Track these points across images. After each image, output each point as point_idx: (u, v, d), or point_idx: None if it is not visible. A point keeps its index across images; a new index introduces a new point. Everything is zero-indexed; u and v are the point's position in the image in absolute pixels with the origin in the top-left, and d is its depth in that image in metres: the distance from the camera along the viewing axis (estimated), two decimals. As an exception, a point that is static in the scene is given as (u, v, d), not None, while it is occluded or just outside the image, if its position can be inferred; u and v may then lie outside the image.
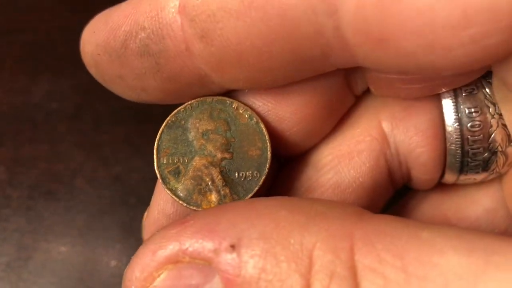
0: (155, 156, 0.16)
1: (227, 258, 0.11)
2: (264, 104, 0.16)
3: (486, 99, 0.16)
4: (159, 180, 0.16)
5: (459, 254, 0.09)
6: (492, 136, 0.16)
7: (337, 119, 0.17)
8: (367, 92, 0.17)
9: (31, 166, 0.31)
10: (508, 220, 0.17)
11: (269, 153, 0.16)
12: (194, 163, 0.16)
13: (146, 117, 0.29)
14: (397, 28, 0.11)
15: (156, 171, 0.16)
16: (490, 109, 0.16)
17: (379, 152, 0.16)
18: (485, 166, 0.17)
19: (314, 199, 0.13)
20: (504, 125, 0.16)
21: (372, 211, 0.14)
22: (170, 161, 0.16)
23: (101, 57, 0.14)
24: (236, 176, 0.16)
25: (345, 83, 0.16)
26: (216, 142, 0.16)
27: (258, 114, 0.16)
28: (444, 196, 0.18)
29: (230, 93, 0.16)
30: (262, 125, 0.16)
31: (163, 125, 0.16)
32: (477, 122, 0.16)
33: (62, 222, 0.30)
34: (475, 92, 0.16)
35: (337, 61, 0.13)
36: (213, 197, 0.15)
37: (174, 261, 0.11)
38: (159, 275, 0.11)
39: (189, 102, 0.16)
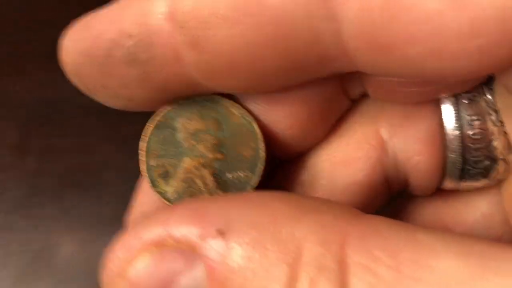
0: (143, 159, 0.15)
1: (213, 245, 0.11)
2: (256, 106, 0.15)
3: (488, 106, 0.16)
4: (148, 183, 0.15)
5: (456, 258, 0.09)
6: (494, 144, 0.16)
7: (332, 123, 0.16)
8: (364, 96, 0.17)
9: (60, 158, 0.32)
10: (505, 226, 0.17)
11: (262, 152, 0.15)
12: (185, 165, 0.15)
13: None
14: (403, 34, 0.11)
15: (146, 174, 0.15)
16: (492, 117, 0.16)
17: (376, 160, 0.16)
18: (486, 173, 0.16)
19: (309, 196, 0.13)
20: (505, 133, 0.16)
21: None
22: (159, 163, 0.15)
23: (83, 67, 0.13)
24: (229, 177, 0.15)
25: (340, 87, 0.16)
26: (207, 142, 0.15)
27: (251, 114, 0.15)
28: (441, 200, 0.18)
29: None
30: (255, 125, 0.15)
31: (151, 125, 0.15)
32: (478, 130, 0.16)
33: (90, 213, 0.31)
34: (476, 98, 0.16)
35: (335, 67, 0.13)
36: None
37: (159, 244, 0.11)
38: (140, 258, 0.11)
39: (177, 101, 0.15)
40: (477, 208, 0.17)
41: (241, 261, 0.10)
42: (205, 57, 0.12)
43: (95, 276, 0.13)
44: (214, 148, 0.15)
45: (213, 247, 0.11)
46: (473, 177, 0.17)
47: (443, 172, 0.17)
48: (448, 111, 0.16)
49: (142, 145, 0.15)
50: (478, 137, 0.16)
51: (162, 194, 0.15)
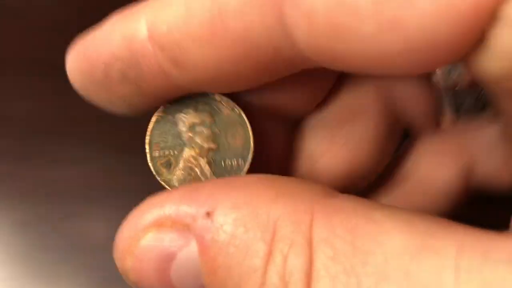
0: (147, 150, 0.17)
1: (203, 224, 0.12)
2: (246, 101, 0.17)
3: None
4: (153, 173, 0.17)
5: (401, 235, 0.10)
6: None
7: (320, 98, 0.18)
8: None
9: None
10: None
11: (251, 142, 0.16)
12: (184, 155, 0.17)
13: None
14: (346, 53, 0.12)
15: (150, 164, 0.17)
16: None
17: (378, 114, 0.17)
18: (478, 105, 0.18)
19: (287, 177, 0.14)
20: None
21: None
22: (162, 154, 0.17)
23: (88, 85, 0.15)
24: (223, 165, 0.17)
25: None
26: (202, 134, 0.17)
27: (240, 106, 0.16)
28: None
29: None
30: (244, 116, 0.16)
31: (153, 120, 0.16)
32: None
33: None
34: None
35: (301, 66, 0.14)
36: None
37: (158, 224, 0.13)
38: (144, 236, 0.13)
39: (174, 97, 0.16)
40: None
41: (226, 238, 0.12)
42: (187, 72, 0.14)
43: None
44: (209, 139, 0.17)
45: (203, 226, 0.12)
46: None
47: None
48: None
49: (146, 138, 0.17)
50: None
51: (166, 182, 0.17)
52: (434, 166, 0.18)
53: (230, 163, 0.17)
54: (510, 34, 0.11)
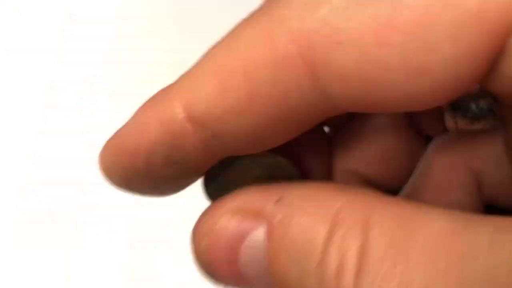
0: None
1: (272, 209, 0.14)
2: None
3: None
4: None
5: (445, 220, 0.12)
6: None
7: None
8: None
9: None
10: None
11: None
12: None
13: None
14: (377, 99, 0.14)
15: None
16: None
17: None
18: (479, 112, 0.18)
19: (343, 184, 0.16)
20: None
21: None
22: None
23: (130, 178, 0.16)
24: None
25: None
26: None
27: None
28: None
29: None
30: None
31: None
32: None
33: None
34: None
35: (331, 114, 0.15)
36: None
37: (233, 211, 0.15)
38: (219, 220, 0.15)
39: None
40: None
41: (291, 221, 0.14)
42: (227, 143, 0.15)
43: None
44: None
45: (271, 211, 0.14)
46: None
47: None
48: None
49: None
50: None
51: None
52: (446, 176, 0.19)
53: None
54: None
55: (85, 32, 0.36)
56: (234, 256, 0.15)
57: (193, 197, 0.18)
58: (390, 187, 0.19)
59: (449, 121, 0.19)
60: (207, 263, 0.15)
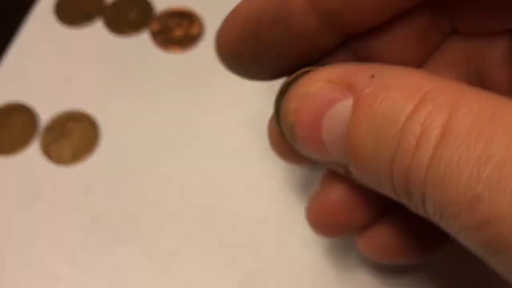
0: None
1: (365, 81, 0.15)
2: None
3: None
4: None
5: None
6: None
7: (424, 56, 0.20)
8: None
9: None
10: None
11: None
12: None
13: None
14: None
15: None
16: None
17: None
18: None
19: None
20: None
21: None
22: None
23: (240, 44, 0.17)
24: None
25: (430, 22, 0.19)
26: None
27: None
28: None
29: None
30: None
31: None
32: None
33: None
34: None
35: None
36: None
37: (327, 79, 0.16)
38: (313, 85, 0.16)
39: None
40: None
41: (380, 94, 0.14)
42: (324, 6, 0.16)
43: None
44: None
45: (364, 82, 0.15)
46: None
47: None
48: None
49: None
50: None
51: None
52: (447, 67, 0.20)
53: None
54: None
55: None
56: (319, 121, 0.16)
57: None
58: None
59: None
60: (293, 125, 0.17)
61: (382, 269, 0.26)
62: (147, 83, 0.31)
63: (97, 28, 0.33)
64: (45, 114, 0.30)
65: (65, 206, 0.27)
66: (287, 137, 0.17)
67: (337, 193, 0.20)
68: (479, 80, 0.19)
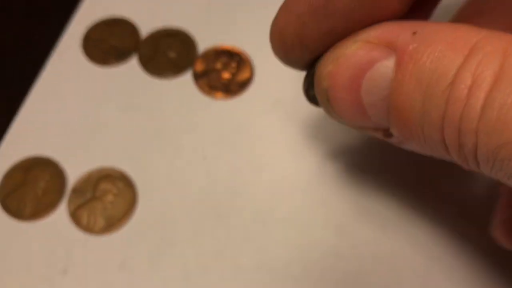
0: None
1: (407, 38, 0.14)
2: None
3: None
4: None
5: None
6: None
7: None
8: None
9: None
10: None
11: None
12: None
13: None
14: None
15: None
16: None
17: None
18: None
19: None
20: None
21: None
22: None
23: (307, 25, 0.16)
24: None
25: None
26: None
27: None
28: None
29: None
30: None
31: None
32: None
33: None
34: None
35: None
36: None
37: (366, 41, 0.15)
38: (350, 46, 0.15)
39: None
40: None
41: (426, 48, 0.14)
42: None
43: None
44: None
45: (407, 40, 0.14)
46: None
47: None
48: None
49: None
50: None
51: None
52: None
53: None
54: None
55: None
56: (358, 83, 0.15)
57: None
58: None
59: None
60: (328, 89, 0.16)
61: None
62: (189, 135, 0.27)
63: (132, 67, 0.28)
64: (74, 171, 0.26)
65: (97, 283, 0.24)
66: (321, 105, 0.17)
67: None
68: None
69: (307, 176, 0.25)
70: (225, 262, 0.24)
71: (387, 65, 0.15)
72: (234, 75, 0.28)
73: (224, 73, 0.28)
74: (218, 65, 0.28)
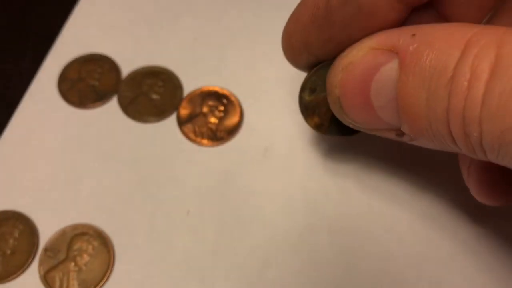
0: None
1: (407, 40, 0.15)
2: None
3: None
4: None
5: None
6: None
7: None
8: None
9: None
10: None
11: None
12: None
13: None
14: None
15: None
16: None
17: None
18: None
19: None
20: None
21: None
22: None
23: (310, 33, 0.18)
24: None
25: None
26: None
27: None
28: None
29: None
30: None
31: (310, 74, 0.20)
32: None
33: None
34: None
35: None
36: None
37: (369, 47, 0.16)
38: (356, 54, 0.17)
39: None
40: None
41: (425, 47, 0.15)
42: None
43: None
44: None
45: (407, 41, 0.15)
46: None
47: None
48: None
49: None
50: None
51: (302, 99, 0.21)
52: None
53: None
54: None
55: None
56: (367, 88, 0.16)
57: None
58: None
59: None
60: (340, 96, 0.17)
61: None
62: (172, 186, 0.25)
63: (111, 109, 0.26)
64: (46, 228, 0.24)
65: None
66: (335, 112, 0.18)
67: None
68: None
69: (298, 233, 0.23)
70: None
71: (392, 67, 0.15)
72: (221, 119, 0.26)
73: (210, 117, 0.26)
74: (205, 109, 0.26)
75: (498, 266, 0.23)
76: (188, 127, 0.26)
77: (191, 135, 0.25)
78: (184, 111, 0.26)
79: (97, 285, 0.22)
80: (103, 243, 0.23)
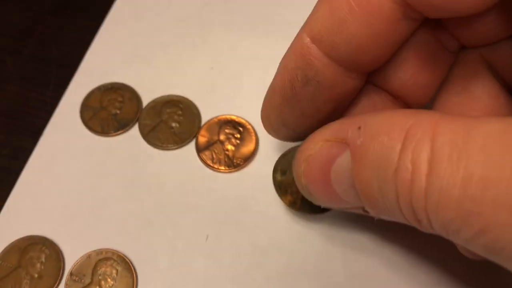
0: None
1: (355, 133, 0.17)
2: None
3: None
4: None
5: (498, 124, 0.14)
6: None
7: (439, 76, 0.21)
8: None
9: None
10: None
11: None
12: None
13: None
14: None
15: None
16: None
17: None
18: None
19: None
20: None
21: None
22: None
23: (283, 112, 0.21)
24: None
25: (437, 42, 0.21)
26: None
27: None
28: None
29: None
30: None
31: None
32: None
33: None
34: None
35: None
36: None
37: (324, 140, 0.18)
38: (314, 148, 0.19)
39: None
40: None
41: (371, 141, 0.16)
42: (343, 52, 0.18)
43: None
44: None
45: (354, 135, 0.17)
46: None
47: None
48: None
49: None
50: None
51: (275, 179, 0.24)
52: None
53: None
54: None
55: None
56: (327, 176, 0.18)
57: None
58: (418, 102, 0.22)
59: None
60: (307, 185, 0.19)
61: None
62: (191, 212, 0.26)
63: (132, 137, 0.28)
64: (71, 253, 0.25)
65: None
66: (305, 196, 0.20)
67: None
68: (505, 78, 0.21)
69: (314, 260, 0.24)
70: None
71: (345, 158, 0.17)
72: (237, 146, 0.27)
73: (227, 145, 0.27)
74: (222, 136, 0.27)
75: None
76: (206, 154, 0.27)
77: (209, 162, 0.26)
78: (202, 139, 0.27)
79: (121, 308, 0.23)
80: (127, 268, 0.24)
